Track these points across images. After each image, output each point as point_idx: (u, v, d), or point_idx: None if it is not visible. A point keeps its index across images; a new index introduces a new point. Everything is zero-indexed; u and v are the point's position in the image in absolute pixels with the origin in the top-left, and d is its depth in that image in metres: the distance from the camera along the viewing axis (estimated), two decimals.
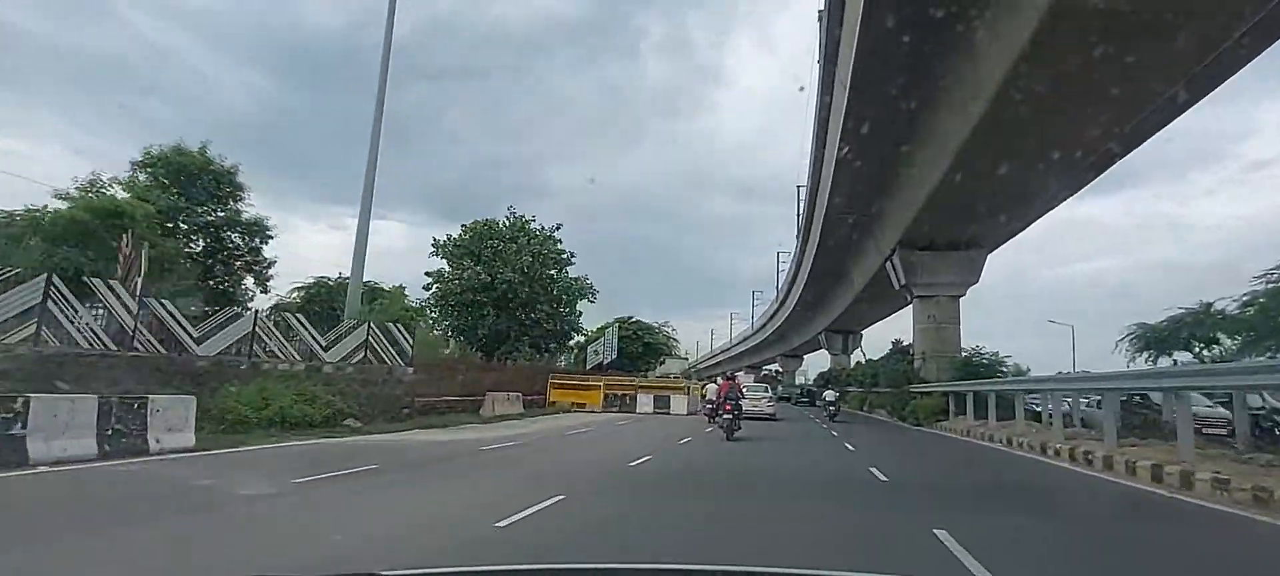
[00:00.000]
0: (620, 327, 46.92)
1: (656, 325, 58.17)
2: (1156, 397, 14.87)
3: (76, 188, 23.22)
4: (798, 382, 69.78)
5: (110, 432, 9.22)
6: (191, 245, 28.92)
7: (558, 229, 32.28)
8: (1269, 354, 13.89)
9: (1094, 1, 10.91)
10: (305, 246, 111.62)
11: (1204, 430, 11.71)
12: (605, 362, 43.66)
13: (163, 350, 14.92)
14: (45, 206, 21.18)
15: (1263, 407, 13.25)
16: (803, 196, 45.37)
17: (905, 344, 31.30)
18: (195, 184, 28.15)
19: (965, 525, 5.91)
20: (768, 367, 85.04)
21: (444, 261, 30.71)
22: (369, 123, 22.34)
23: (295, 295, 34.31)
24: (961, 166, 18.42)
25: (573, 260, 32.54)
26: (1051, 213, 25.69)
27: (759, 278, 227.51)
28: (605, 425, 20.44)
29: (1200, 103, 15.11)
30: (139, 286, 15.48)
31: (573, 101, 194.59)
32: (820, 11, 22.80)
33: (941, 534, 5.40)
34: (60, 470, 7.91)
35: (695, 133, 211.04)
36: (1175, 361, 28.69)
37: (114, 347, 14.07)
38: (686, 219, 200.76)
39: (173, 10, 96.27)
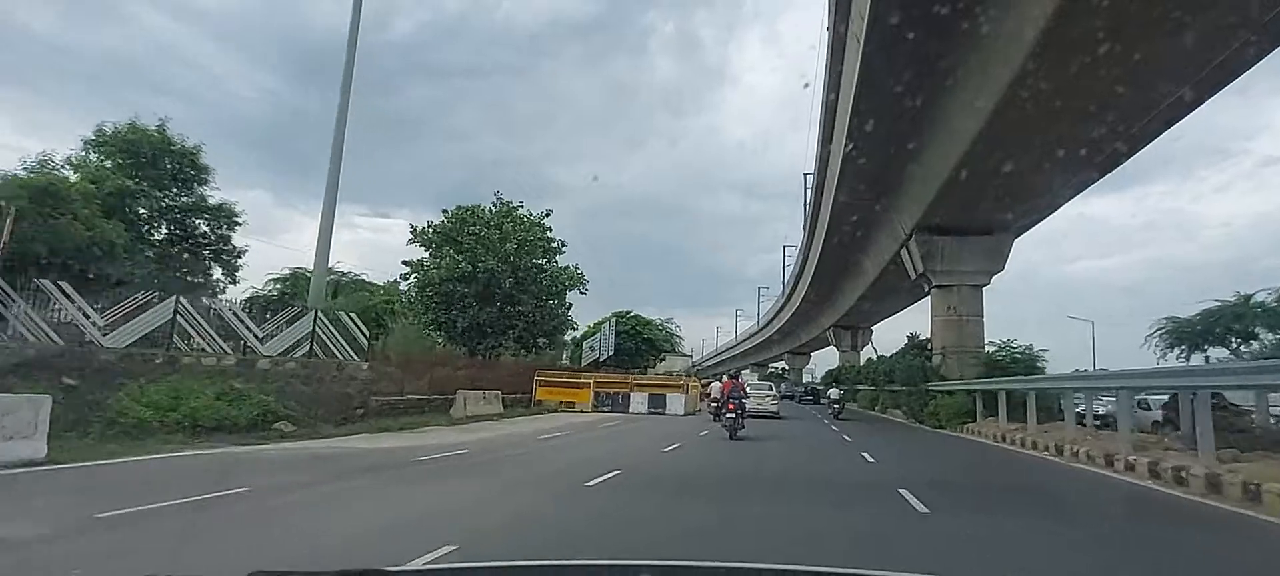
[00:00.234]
0: (618, 322, 44.64)
1: (660, 321, 55.99)
2: (1236, 396, 12.37)
3: (24, 167, 21.31)
4: (804, 381, 67.28)
5: None
6: (153, 232, 26.94)
7: (547, 215, 29.95)
8: None
9: None
10: (307, 241, 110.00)
11: None
12: (602, 359, 41.41)
13: (59, 340, 12.76)
14: None
15: None
16: (810, 184, 43.03)
17: (922, 338, 28.83)
18: (156, 165, 26.05)
19: None
20: (774, 366, 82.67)
21: (424, 250, 28.49)
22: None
23: (272, 288, 32.34)
24: (988, 138, 16.24)
25: (563, 248, 30.23)
26: (1054, 212, 23.64)
27: (765, 275, 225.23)
28: (586, 428, 18.16)
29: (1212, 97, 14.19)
30: None
31: (580, 100, 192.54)
32: None
33: None
34: None
35: (702, 130, 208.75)
36: (1208, 358, 26.42)
37: None
38: (693, 217, 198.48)
39: (181, 9, 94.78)
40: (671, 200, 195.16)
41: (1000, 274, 24.58)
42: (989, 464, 12.27)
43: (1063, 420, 16.50)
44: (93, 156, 24.94)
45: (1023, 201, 21.37)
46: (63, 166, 23.89)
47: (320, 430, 13.99)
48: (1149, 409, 18.28)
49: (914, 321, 44.55)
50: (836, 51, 18.33)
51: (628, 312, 46.41)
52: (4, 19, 52.34)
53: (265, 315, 17.52)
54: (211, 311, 15.09)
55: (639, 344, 46.73)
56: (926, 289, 26.49)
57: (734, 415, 15.33)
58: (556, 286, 29.28)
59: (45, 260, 16.24)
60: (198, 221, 27.53)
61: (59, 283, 13.31)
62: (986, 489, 9.37)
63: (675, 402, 26.71)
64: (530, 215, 29.50)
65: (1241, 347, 25.01)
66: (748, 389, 18.79)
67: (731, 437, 15.02)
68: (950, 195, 20.14)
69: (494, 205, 29.23)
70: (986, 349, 23.18)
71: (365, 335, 16.96)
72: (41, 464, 8.26)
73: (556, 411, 25.13)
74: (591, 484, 7.83)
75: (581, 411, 25.68)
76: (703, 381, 50.16)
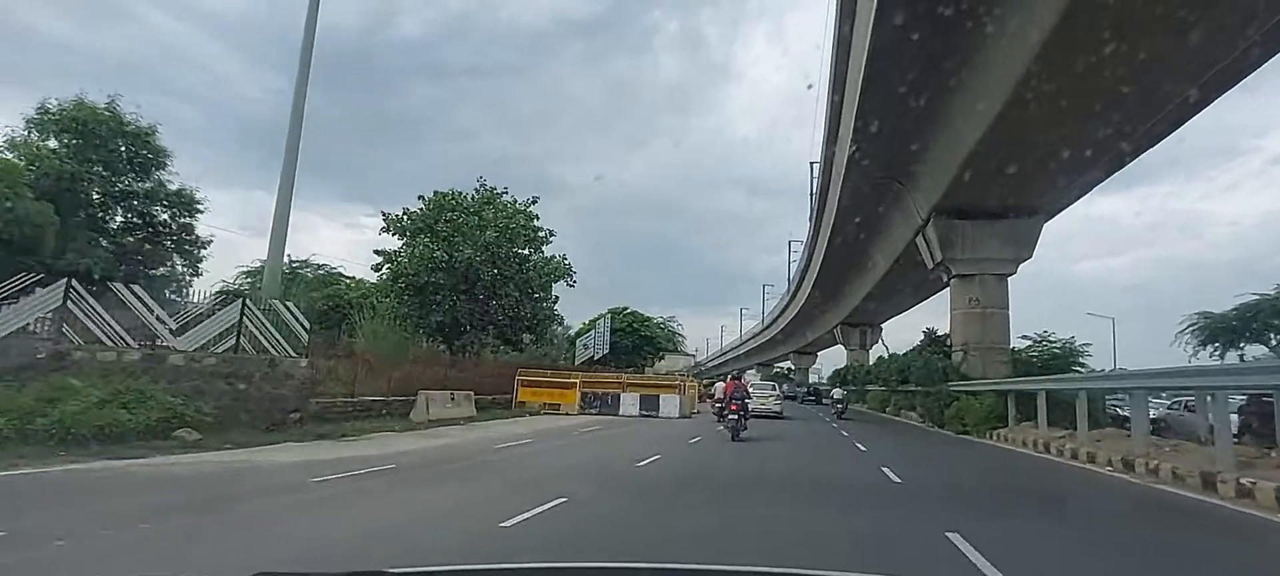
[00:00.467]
0: (614, 320, 42.38)
1: (662, 319, 53.57)
2: None
3: None
4: (810, 381, 64.86)
5: None
6: (108, 219, 24.91)
7: (534, 202, 27.71)
8: None
9: None
10: (316, 243, 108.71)
11: None
12: (596, 357, 39.17)
13: None
14: None
15: None
16: (815, 172, 40.61)
17: (940, 333, 26.45)
18: (109, 148, 24.00)
19: None
20: (779, 366, 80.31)
21: (399, 239, 26.29)
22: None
23: (243, 282, 30.40)
24: (1020, 102, 14.14)
25: (551, 238, 27.96)
26: (1086, 194, 21.54)
27: (770, 274, 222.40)
28: (558, 435, 15.91)
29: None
30: None
31: (583, 99, 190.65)
32: None
33: None
34: None
35: (707, 128, 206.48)
36: (1243, 356, 24.08)
37: None
38: (697, 215, 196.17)
39: (185, 9, 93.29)
40: (675, 198, 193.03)
41: (1029, 261, 22.21)
42: (1062, 488, 9.49)
43: (1112, 426, 14.19)
44: (34, 136, 22.92)
45: (1054, 179, 19.06)
46: (3, 149, 22.00)
47: (236, 437, 11.80)
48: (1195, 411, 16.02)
49: (924, 319, 42.34)
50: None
51: (624, 309, 44.10)
52: (4, 18, 50.56)
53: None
54: (111, 296, 12.86)
55: (636, 341, 44.43)
56: (945, 280, 24.16)
57: (736, 416, 15.33)
58: (541, 277, 27.02)
59: None
60: (157, 209, 25.58)
61: None
62: (1093, 534, 6.27)
63: (669, 404, 24.38)
64: (514, 202, 27.31)
65: None
66: (750, 389, 18.88)
67: (734, 439, 14.90)
68: (977, 168, 17.88)
69: (477, 191, 27.06)
70: (1020, 343, 20.83)
71: (306, 328, 14.76)
72: None
73: (539, 414, 22.90)
74: (509, 525, 5.56)
75: (566, 414, 23.43)
76: (705, 382, 48.04)
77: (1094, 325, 53.86)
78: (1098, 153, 17.11)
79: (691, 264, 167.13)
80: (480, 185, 27.11)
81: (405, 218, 25.99)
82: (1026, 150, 16.86)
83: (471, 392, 20.17)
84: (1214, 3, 11.02)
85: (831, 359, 69.08)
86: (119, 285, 12.80)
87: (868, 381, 39.27)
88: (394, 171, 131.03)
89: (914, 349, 28.11)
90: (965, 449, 15.34)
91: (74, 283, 12.56)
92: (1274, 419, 9.41)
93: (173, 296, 22.74)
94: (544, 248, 28.06)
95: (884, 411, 33.63)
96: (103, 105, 24.10)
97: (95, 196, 24.46)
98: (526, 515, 5.87)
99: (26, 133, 23.33)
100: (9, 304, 11.58)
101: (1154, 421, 17.40)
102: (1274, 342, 24.25)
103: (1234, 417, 14.27)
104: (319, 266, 32.66)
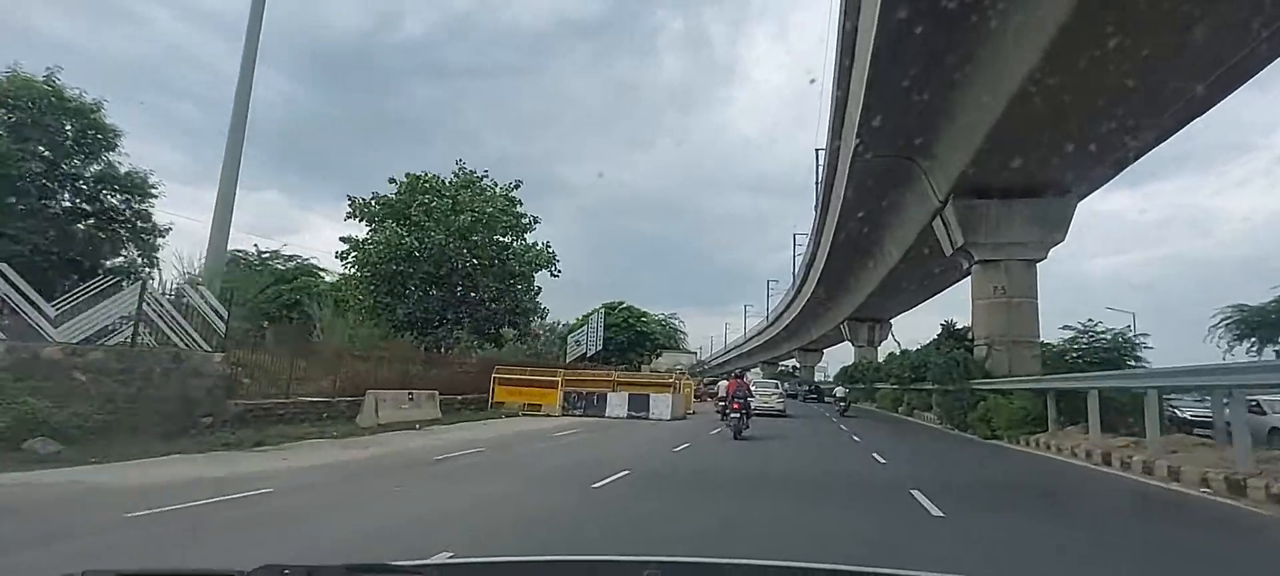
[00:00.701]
0: (608, 315, 40.15)
1: (663, 316, 51.25)
2: None
3: None
4: (815, 379, 62.52)
5: None
6: (51, 204, 22.85)
7: (517, 187, 25.48)
8: None
9: None
10: (319, 242, 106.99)
11: None
12: (588, 353, 36.99)
13: None
14: None
15: None
16: (821, 159, 38.24)
17: (960, 327, 24.12)
18: (46, 124, 21.87)
19: None
20: (784, 363, 78.01)
21: (365, 226, 24.12)
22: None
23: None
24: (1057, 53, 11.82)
25: (535, 224, 25.68)
26: (1127, 166, 19.11)
27: (775, 271, 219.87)
28: (522, 442, 13.70)
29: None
30: None
31: (586, 99, 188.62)
32: None
33: None
34: None
35: (710, 127, 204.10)
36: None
37: None
38: (700, 214, 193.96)
39: (188, 9, 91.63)
40: (678, 198, 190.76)
41: (1061, 244, 19.85)
42: (1179, 522, 6.91)
43: (1177, 432, 11.90)
44: None
45: (1091, 150, 16.69)
46: None
47: (120, 448, 9.66)
48: (1264, 412, 13.73)
49: (935, 316, 39.97)
50: None
51: (619, 303, 41.83)
52: (4, 18, 48.61)
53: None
54: None
55: (632, 337, 42.19)
56: (965, 266, 21.86)
57: (738, 415, 15.32)
58: (522, 266, 24.80)
59: None
60: (110, 194, 23.52)
61: None
62: None
63: (660, 405, 22.11)
64: (494, 186, 25.10)
65: None
66: (753, 388, 18.71)
67: (736, 437, 14.76)
68: (1010, 127, 15.52)
69: (455, 175, 24.89)
70: (1063, 334, 18.50)
71: (223, 318, 12.58)
72: None
73: (517, 416, 20.68)
74: None
75: (547, 415, 21.23)
76: (707, 381, 45.85)
77: (1111, 321, 51.25)
78: (1149, 111, 14.71)
79: (694, 263, 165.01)
80: (459, 169, 24.96)
81: (373, 202, 23.83)
82: (1061, 118, 14.60)
83: (436, 392, 17.98)
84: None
85: (838, 357, 66.61)
86: None
87: (878, 379, 36.92)
88: (395, 171, 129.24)
89: (931, 343, 25.78)
90: (1005, 460, 12.79)
91: None
92: None
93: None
94: (527, 235, 25.88)
95: (896, 411, 31.30)
96: (41, 78, 21.99)
97: (43, 180, 22.44)
98: None
99: None
100: None
101: (1196, 422, 15.05)
102: None
103: None
104: (290, 258, 30.56)
